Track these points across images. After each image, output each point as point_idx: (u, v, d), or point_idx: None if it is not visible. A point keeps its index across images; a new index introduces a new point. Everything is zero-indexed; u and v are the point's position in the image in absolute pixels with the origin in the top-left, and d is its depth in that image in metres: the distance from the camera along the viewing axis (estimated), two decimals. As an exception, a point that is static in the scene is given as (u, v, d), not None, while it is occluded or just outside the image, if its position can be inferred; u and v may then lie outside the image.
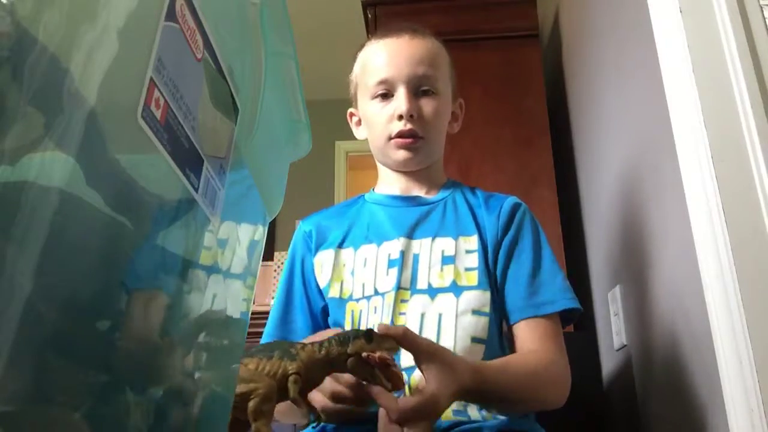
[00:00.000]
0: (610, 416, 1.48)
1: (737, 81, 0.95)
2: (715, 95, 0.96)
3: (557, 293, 0.95)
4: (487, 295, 0.94)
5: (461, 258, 0.96)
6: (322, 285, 1.02)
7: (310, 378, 0.66)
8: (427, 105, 1.02)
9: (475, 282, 0.94)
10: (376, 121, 1.04)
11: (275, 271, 3.39)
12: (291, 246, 1.10)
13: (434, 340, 0.89)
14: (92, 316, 0.28)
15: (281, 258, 3.46)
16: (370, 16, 2.00)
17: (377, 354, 0.69)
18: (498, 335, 0.94)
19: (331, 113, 3.88)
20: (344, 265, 1.01)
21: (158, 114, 0.31)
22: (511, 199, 1.04)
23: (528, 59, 1.90)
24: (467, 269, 0.95)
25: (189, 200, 0.36)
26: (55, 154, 0.24)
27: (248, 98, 0.46)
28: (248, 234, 0.51)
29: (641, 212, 1.26)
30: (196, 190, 0.36)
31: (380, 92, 1.03)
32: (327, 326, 1.02)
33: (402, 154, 1.02)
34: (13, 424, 0.22)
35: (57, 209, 0.23)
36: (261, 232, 0.55)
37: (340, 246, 1.03)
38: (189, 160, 0.35)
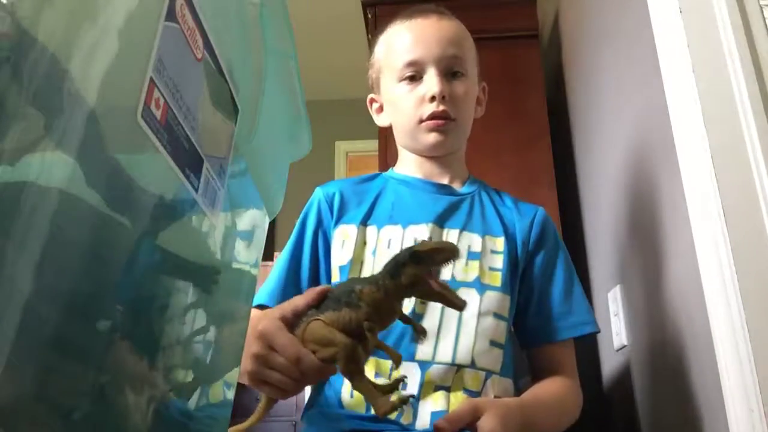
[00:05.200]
0: (610, 416, 1.48)
1: (737, 81, 0.95)
2: (715, 95, 0.95)
3: (585, 315, 0.97)
4: (508, 299, 0.93)
5: (487, 256, 0.94)
6: (340, 263, 0.95)
7: (381, 318, 0.62)
8: (458, 87, 0.99)
9: (498, 283, 0.92)
10: (405, 104, 1.00)
11: (275, 271, 3.38)
12: (305, 213, 1.03)
13: (453, 338, 0.87)
14: (92, 316, 0.28)
15: (281, 258, 3.45)
16: (370, 16, 2.00)
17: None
18: (511, 342, 0.94)
19: (331, 113, 3.89)
20: (366, 243, 0.96)
21: (158, 114, 0.31)
22: (542, 210, 1.03)
23: (528, 59, 1.90)
24: (492, 269, 0.94)
25: (189, 200, 0.36)
26: (55, 154, 0.24)
27: (248, 98, 0.46)
28: (248, 227, 0.51)
29: (641, 212, 1.26)
30: (196, 190, 0.36)
31: (408, 74, 0.99)
32: None
33: (433, 137, 0.99)
34: (13, 424, 0.22)
35: (57, 209, 0.23)
36: (260, 220, 0.55)
37: (364, 223, 0.97)
38: (189, 160, 0.35)
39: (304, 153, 0.62)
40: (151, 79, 0.30)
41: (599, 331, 0.99)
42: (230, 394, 0.49)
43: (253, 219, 0.52)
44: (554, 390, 0.91)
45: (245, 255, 0.49)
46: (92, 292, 0.27)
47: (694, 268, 0.97)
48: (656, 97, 1.11)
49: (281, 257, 0.99)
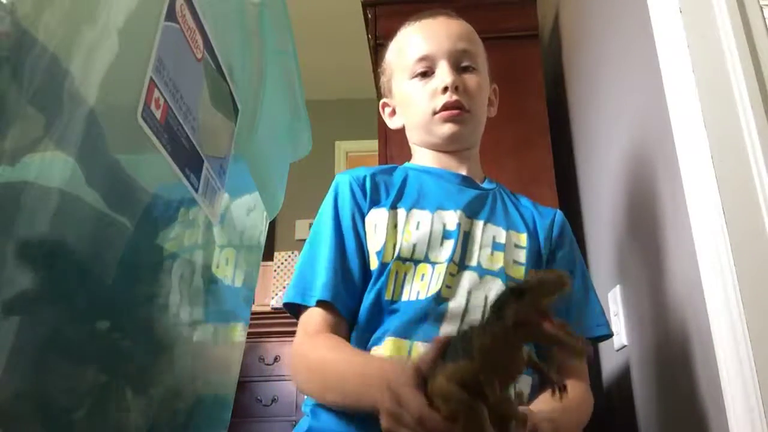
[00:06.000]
0: (611, 416, 1.48)
1: (737, 81, 0.95)
2: (715, 95, 0.95)
3: (599, 318, 0.98)
4: None
5: (510, 250, 0.95)
6: (376, 248, 0.93)
7: (497, 367, 0.56)
8: (469, 79, 1.01)
9: (521, 277, 0.93)
10: (418, 98, 1.01)
11: (275, 271, 3.37)
12: (333, 200, 0.98)
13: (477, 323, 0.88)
14: (92, 316, 0.28)
15: (281, 258, 3.44)
16: (370, 16, 2.00)
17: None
18: None
19: (331, 113, 3.89)
20: (396, 226, 0.94)
21: (158, 114, 0.31)
22: (561, 213, 1.04)
23: (528, 59, 1.90)
24: (515, 262, 0.94)
25: (189, 200, 0.36)
26: (55, 154, 0.24)
27: (249, 98, 0.46)
28: (251, 228, 0.51)
29: (641, 212, 1.26)
30: (196, 190, 0.36)
31: (420, 70, 1.01)
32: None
33: (449, 128, 0.99)
34: (13, 424, 0.22)
35: (57, 209, 0.23)
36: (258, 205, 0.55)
37: (394, 207, 0.96)
38: (189, 160, 0.35)
39: (304, 153, 0.62)
40: (151, 79, 0.30)
41: (612, 335, 0.99)
42: (229, 397, 0.49)
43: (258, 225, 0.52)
44: (574, 396, 0.90)
45: (245, 262, 0.49)
46: (92, 291, 0.27)
47: (694, 268, 0.97)
48: (656, 97, 1.11)
49: (321, 247, 0.94)
